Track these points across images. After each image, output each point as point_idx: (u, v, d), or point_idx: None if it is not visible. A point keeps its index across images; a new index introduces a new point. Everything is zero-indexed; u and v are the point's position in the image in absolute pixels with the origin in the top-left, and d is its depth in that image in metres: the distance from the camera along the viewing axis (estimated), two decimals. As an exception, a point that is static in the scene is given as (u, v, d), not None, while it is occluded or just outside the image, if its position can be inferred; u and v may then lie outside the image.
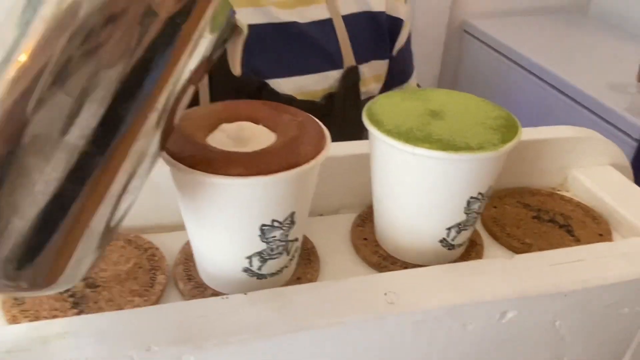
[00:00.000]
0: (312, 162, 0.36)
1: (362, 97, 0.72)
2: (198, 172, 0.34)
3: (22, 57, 0.23)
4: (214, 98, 0.62)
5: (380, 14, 0.71)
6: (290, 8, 0.65)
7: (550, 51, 1.75)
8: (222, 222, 0.37)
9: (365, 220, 0.51)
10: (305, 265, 0.45)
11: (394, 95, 0.45)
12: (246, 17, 0.62)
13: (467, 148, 0.38)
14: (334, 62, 0.68)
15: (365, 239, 0.48)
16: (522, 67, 1.73)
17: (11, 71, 0.23)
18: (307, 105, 0.66)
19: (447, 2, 1.94)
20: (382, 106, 0.43)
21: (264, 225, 0.37)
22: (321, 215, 0.53)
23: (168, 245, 0.46)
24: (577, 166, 0.57)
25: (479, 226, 0.52)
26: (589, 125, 0.59)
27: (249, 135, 0.38)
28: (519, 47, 1.75)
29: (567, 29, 1.96)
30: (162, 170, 0.46)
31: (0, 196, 0.24)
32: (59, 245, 0.26)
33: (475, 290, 0.39)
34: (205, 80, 0.61)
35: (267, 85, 0.64)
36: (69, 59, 0.23)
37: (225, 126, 0.39)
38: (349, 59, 0.69)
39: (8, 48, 0.23)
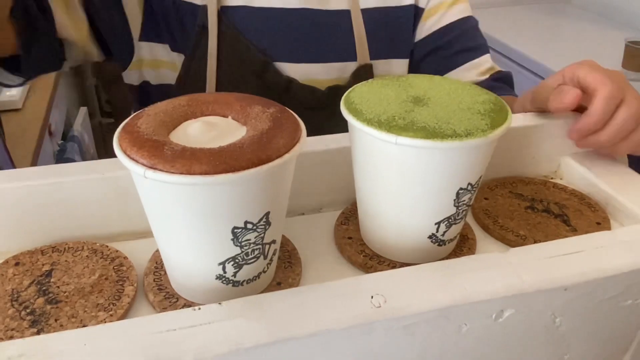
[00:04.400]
0: (286, 157, 0.33)
1: None
2: (159, 171, 0.31)
3: None
4: (220, 74, 0.63)
5: (408, 7, 0.66)
6: None
7: (535, 41, 1.73)
8: (189, 226, 0.34)
9: (349, 217, 0.47)
10: (286, 268, 0.42)
11: (373, 82, 0.42)
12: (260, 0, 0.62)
13: (454, 135, 0.35)
14: (346, 55, 0.65)
15: (350, 237, 0.45)
16: (506, 57, 1.71)
17: None
18: (306, 91, 0.65)
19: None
20: (361, 94, 0.40)
21: (235, 227, 0.34)
22: (303, 214, 0.50)
23: (138, 254, 0.43)
24: (570, 152, 0.55)
25: (470, 219, 0.49)
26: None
27: (216, 130, 0.35)
28: (503, 37, 1.74)
29: (551, 19, 1.95)
30: (129, 173, 0.43)
31: None
32: None
33: (469, 289, 0.36)
34: (213, 54, 0.62)
35: (271, 65, 0.63)
36: None
37: (190, 122, 0.36)
38: (363, 55, 0.66)
39: None
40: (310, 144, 0.48)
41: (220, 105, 0.38)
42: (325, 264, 0.44)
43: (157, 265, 0.41)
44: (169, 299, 0.38)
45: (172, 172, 0.31)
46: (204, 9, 0.62)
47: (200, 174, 0.31)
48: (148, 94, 0.69)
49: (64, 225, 0.44)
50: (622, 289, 0.39)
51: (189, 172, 0.31)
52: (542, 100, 0.51)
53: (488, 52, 0.74)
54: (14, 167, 1.23)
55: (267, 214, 0.35)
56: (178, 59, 0.65)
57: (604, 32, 1.80)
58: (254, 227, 0.35)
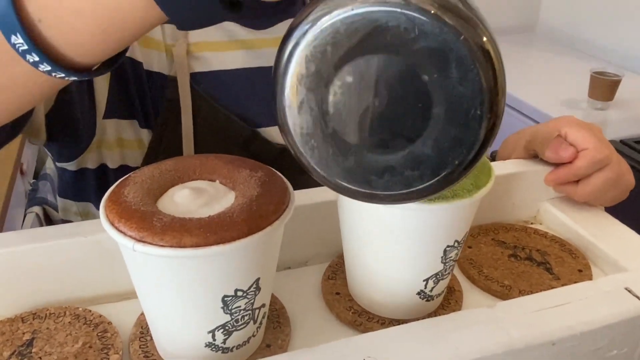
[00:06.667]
0: (276, 224, 0.33)
1: None
2: (148, 245, 0.31)
3: None
4: (198, 152, 0.57)
5: None
6: None
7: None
8: (178, 296, 0.33)
9: (336, 271, 0.47)
10: (275, 329, 0.41)
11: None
12: (235, 60, 0.57)
13: (441, 197, 0.36)
14: None
15: (338, 293, 0.45)
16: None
17: None
18: None
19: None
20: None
21: (226, 296, 0.33)
22: (289, 268, 0.49)
23: (122, 317, 0.42)
24: (548, 197, 0.56)
25: (455, 269, 0.49)
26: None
27: (205, 196, 0.35)
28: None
29: (517, 48, 2.00)
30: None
31: None
32: None
33: (460, 348, 0.36)
34: (188, 133, 0.56)
35: (258, 134, 0.58)
36: None
37: (177, 188, 0.35)
38: None
39: None
40: (296, 198, 0.48)
41: (207, 168, 0.37)
42: (314, 321, 0.44)
43: (142, 330, 0.40)
44: (156, 366, 0.38)
45: (162, 245, 0.30)
46: (172, 80, 0.55)
47: (191, 246, 0.30)
48: (106, 178, 0.59)
49: (45, 289, 0.43)
50: (607, 340, 0.40)
51: (179, 245, 0.30)
52: (538, 146, 0.53)
53: None
54: None
55: (257, 280, 0.35)
56: (147, 136, 0.58)
57: (570, 62, 1.86)
58: (244, 294, 0.34)
